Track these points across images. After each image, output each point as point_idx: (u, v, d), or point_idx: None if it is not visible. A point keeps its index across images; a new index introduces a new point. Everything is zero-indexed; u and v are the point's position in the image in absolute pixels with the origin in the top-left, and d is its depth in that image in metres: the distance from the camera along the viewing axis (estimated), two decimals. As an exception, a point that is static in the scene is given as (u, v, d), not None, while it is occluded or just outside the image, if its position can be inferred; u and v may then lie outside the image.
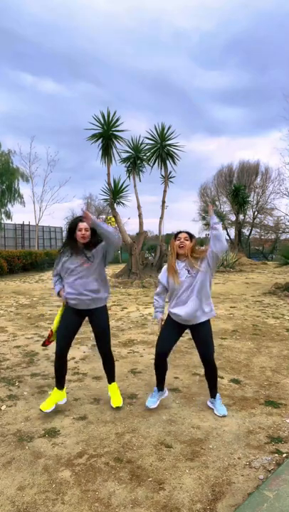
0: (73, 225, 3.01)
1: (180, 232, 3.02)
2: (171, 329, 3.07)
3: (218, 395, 3.14)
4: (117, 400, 3.15)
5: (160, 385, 3.19)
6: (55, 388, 3.15)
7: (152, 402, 3.14)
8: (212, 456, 2.48)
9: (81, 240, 2.99)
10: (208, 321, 3.03)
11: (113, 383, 3.27)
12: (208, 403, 3.18)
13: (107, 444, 2.63)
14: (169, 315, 3.10)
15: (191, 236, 3.00)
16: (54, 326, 3.20)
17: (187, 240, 2.96)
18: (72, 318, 3.12)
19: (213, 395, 3.14)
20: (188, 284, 2.93)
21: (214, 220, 2.90)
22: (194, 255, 2.95)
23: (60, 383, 3.15)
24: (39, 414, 3.07)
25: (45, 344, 3.30)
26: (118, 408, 3.14)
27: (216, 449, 2.56)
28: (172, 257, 2.99)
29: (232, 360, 4.44)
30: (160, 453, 2.52)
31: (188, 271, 2.93)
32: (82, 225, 2.97)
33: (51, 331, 3.23)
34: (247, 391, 3.55)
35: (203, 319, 2.98)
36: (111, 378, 3.28)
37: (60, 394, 3.14)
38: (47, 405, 3.04)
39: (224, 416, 3.00)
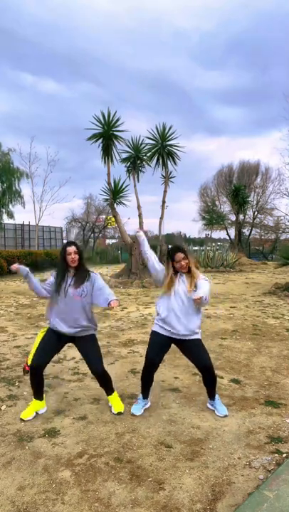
0: (63, 250, 3.02)
1: (175, 251, 2.96)
2: (162, 343, 3.06)
3: (216, 395, 3.13)
4: (118, 407, 3.13)
5: (145, 392, 3.18)
6: (34, 399, 3.10)
7: (137, 409, 3.10)
8: (212, 456, 2.48)
9: (71, 264, 3.00)
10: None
11: (113, 394, 3.22)
12: (208, 405, 3.16)
13: (107, 444, 2.63)
14: (156, 329, 3.07)
15: (186, 254, 2.96)
16: (32, 352, 3.14)
17: (185, 260, 2.94)
18: (54, 339, 3.08)
19: (212, 397, 3.12)
20: (184, 296, 2.92)
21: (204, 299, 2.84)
22: (193, 272, 2.95)
23: (38, 395, 3.09)
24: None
25: (25, 369, 3.23)
26: (112, 409, 3.13)
27: (216, 449, 2.56)
28: (168, 274, 2.97)
29: (232, 360, 4.44)
30: (160, 453, 2.52)
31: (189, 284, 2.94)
32: (71, 248, 2.98)
33: (26, 362, 3.19)
34: (247, 391, 3.54)
35: (197, 337, 3.00)
36: (110, 391, 3.22)
37: (39, 404, 3.11)
38: (27, 413, 3.02)
39: (226, 416, 2.99)
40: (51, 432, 2.80)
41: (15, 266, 3.01)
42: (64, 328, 3.02)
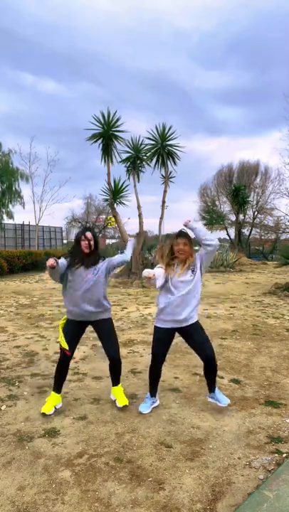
0: (79, 235, 3.08)
1: (181, 235, 3.00)
2: (164, 336, 3.08)
3: (216, 387, 3.14)
4: (123, 400, 3.16)
5: (153, 390, 3.19)
6: (53, 392, 3.18)
7: (146, 407, 3.13)
8: (212, 456, 2.48)
9: (84, 250, 3.03)
10: (198, 321, 3.07)
11: (118, 385, 3.27)
12: (209, 399, 3.17)
13: (107, 444, 2.63)
14: (158, 323, 3.09)
15: (190, 240, 3.00)
16: (61, 340, 3.17)
17: (186, 245, 2.96)
18: (75, 328, 3.16)
19: (212, 390, 3.14)
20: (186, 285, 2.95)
21: (203, 234, 2.97)
22: (188, 262, 2.97)
23: (58, 388, 3.18)
24: (39, 414, 3.07)
25: (66, 354, 3.20)
26: (119, 408, 3.14)
27: (216, 449, 2.56)
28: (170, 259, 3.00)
29: (232, 360, 4.44)
30: (160, 453, 2.52)
31: (193, 270, 2.96)
32: (88, 234, 3.04)
33: (60, 345, 3.19)
34: (247, 391, 3.54)
35: (195, 319, 3.03)
36: (117, 381, 3.28)
37: (57, 397, 3.18)
38: (48, 408, 3.08)
39: (229, 404, 3.03)
40: (51, 432, 2.80)
41: (53, 263, 2.89)
42: (79, 309, 3.06)
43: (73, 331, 3.15)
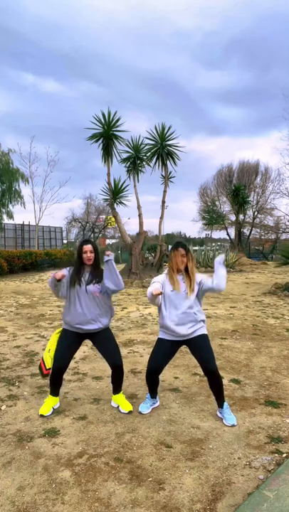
0: (80, 249, 3.05)
1: (179, 246, 2.98)
2: (167, 350, 3.04)
3: (225, 403, 3.01)
4: (126, 406, 3.14)
5: (153, 393, 3.18)
6: (51, 395, 3.18)
7: (145, 408, 3.12)
8: (212, 456, 2.48)
9: (87, 263, 3.02)
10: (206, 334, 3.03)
11: (120, 393, 3.25)
12: (218, 413, 3.04)
13: (107, 444, 2.63)
14: (161, 335, 3.06)
15: (187, 251, 2.97)
16: (47, 352, 3.15)
17: (184, 256, 2.94)
18: (71, 340, 3.12)
19: (220, 405, 3.00)
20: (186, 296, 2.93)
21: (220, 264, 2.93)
22: (190, 272, 2.96)
23: (55, 392, 3.19)
24: (39, 414, 3.07)
25: (43, 374, 3.20)
26: (120, 409, 3.14)
27: (216, 449, 2.56)
28: (174, 271, 2.98)
29: (232, 360, 4.44)
30: (160, 453, 2.52)
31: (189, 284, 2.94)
32: (87, 247, 3.01)
33: (42, 359, 3.20)
34: (247, 391, 3.54)
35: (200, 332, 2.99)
36: (118, 389, 3.25)
37: (55, 399, 3.20)
38: (46, 409, 3.09)
39: (234, 425, 2.87)
40: (51, 432, 2.80)
41: (62, 274, 2.91)
42: (84, 326, 3.03)
43: (69, 343, 3.11)
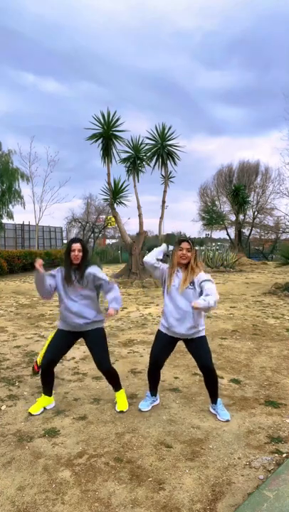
0: (68, 246, 3.04)
1: (182, 240, 2.98)
2: (165, 343, 3.06)
3: (219, 399, 3.07)
4: (123, 405, 3.15)
5: (153, 390, 3.19)
6: (43, 395, 3.18)
7: (145, 405, 3.14)
8: (212, 456, 2.48)
9: (74, 261, 3.01)
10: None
11: (120, 390, 3.26)
12: (210, 409, 3.11)
13: (107, 444, 2.63)
14: (160, 328, 3.08)
15: (192, 247, 2.97)
16: (41, 354, 3.18)
17: (189, 252, 2.94)
18: (63, 337, 3.13)
19: (214, 401, 3.07)
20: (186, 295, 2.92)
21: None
22: (193, 269, 2.94)
23: (47, 392, 3.18)
24: (28, 411, 3.08)
25: (35, 371, 3.24)
26: (115, 406, 3.14)
27: (216, 449, 2.56)
28: (173, 266, 2.98)
29: (232, 360, 4.44)
30: (160, 453, 2.52)
31: (192, 283, 2.92)
32: (76, 245, 3.00)
33: (36, 362, 3.21)
34: (247, 391, 3.54)
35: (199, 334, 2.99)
36: (117, 387, 3.26)
37: (48, 399, 3.19)
38: (36, 408, 3.09)
39: (228, 421, 2.92)
40: (51, 432, 2.80)
41: (40, 264, 2.94)
42: (72, 322, 3.04)
43: (61, 340, 3.13)
